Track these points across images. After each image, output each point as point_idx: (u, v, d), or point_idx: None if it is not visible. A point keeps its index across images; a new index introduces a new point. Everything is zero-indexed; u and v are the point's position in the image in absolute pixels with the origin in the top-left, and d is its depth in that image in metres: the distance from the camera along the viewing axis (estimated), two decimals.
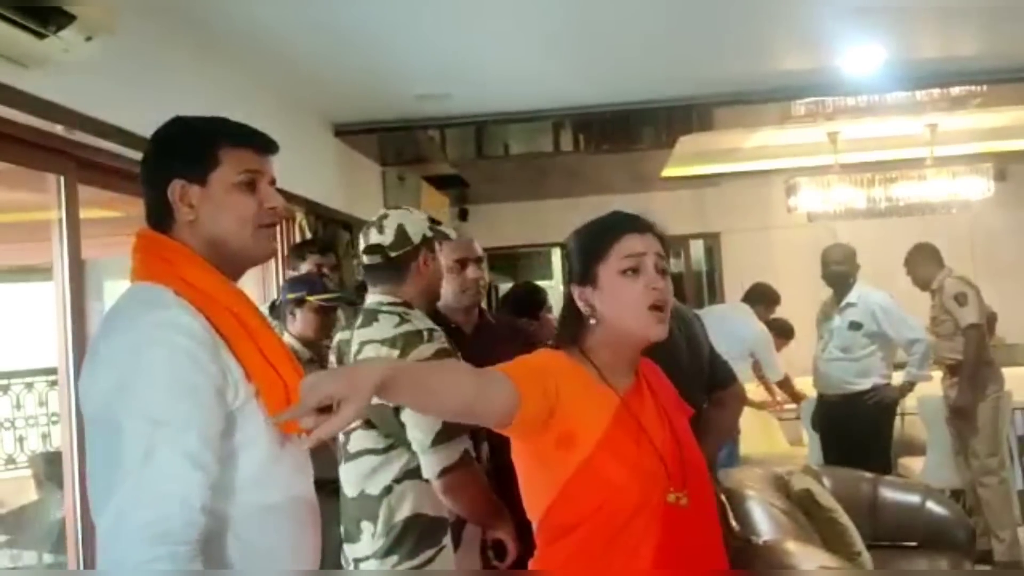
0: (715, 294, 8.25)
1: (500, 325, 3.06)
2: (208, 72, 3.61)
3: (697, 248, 8.49)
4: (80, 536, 2.80)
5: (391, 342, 2.22)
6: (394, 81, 4.40)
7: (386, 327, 2.26)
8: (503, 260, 8.05)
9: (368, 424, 2.25)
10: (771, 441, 6.45)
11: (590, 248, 1.73)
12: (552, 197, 7.65)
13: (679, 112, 5.20)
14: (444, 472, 2.18)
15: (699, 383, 2.62)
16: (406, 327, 2.25)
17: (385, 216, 2.41)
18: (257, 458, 1.48)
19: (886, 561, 3.53)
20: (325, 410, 1.28)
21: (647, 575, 1.62)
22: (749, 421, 5.75)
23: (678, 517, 1.64)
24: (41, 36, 2.39)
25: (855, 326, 5.06)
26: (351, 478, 2.31)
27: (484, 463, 2.45)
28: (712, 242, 8.28)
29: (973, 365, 4.91)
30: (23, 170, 2.86)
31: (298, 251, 3.68)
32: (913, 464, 5.59)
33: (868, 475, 3.98)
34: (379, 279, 2.39)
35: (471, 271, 2.80)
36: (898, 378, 5.16)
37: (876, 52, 4.29)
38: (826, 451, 5.25)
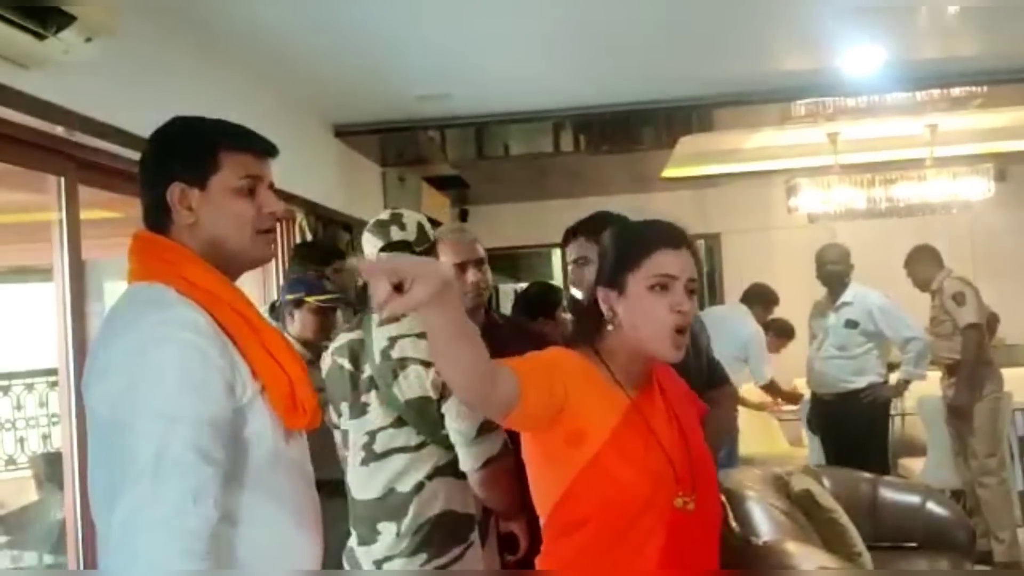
0: (715, 295, 8.23)
1: (507, 326, 3.04)
2: (208, 72, 3.61)
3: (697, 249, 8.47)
4: (80, 537, 2.80)
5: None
6: (394, 81, 4.40)
7: (416, 322, 2.22)
8: (503, 261, 8.04)
9: (399, 422, 2.25)
10: (771, 442, 6.45)
11: (624, 255, 1.74)
12: (552, 198, 7.63)
13: (679, 113, 5.21)
14: (488, 463, 2.20)
15: (699, 384, 2.62)
16: None
17: (400, 214, 2.40)
18: (262, 454, 1.48)
19: (886, 562, 3.53)
20: (397, 289, 1.31)
21: (651, 575, 1.63)
22: (749, 422, 5.77)
23: (683, 521, 1.65)
24: (41, 37, 2.39)
25: (851, 324, 5.07)
26: (378, 478, 2.29)
27: None
28: (712, 243, 8.26)
29: (971, 365, 4.92)
30: (23, 171, 2.86)
31: (299, 261, 3.63)
32: (913, 464, 5.59)
33: (868, 475, 3.98)
34: None
35: (471, 274, 2.79)
36: (895, 378, 5.16)
37: (876, 52, 4.29)
38: (826, 451, 5.26)
